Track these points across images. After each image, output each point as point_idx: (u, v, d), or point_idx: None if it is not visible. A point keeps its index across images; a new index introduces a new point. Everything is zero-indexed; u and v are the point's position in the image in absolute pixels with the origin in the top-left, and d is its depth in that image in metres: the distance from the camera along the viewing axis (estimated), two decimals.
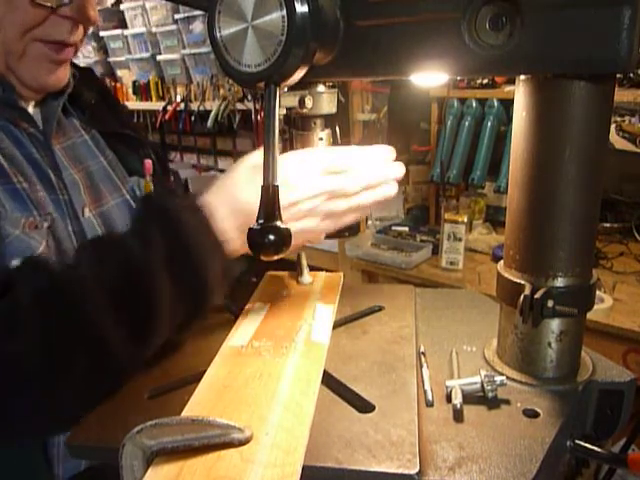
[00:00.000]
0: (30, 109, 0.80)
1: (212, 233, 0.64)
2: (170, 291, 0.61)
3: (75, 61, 0.84)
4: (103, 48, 3.20)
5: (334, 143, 0.76)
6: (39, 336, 0.55)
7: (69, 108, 0.87)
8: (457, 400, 0.59)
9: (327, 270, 0.92)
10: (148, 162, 0.92)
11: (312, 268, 0.88)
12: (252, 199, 0.64)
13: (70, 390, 0.57)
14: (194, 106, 2.79)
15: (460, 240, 1.87)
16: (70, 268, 0.60)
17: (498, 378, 0.60)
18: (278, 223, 0.56)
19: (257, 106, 2.52)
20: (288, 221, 0.60)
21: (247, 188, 0.66)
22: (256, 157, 0.69)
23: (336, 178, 0.68)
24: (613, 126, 1.79)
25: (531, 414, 0.58)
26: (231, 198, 0.66)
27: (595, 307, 0.65)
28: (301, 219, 0.68)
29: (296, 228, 0.63)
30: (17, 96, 0.77)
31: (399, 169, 0.72)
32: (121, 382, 0.61)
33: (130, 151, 0.93)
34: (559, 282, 0.61)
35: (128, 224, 0.66)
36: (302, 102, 0.67)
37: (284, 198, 0.58)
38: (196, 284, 0.63)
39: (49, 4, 0.69)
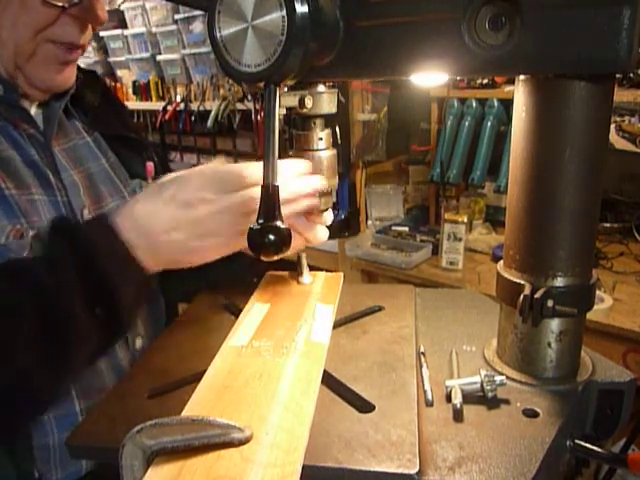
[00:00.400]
0: (32, 110, 0.80)
1: (120, 252, 0.63)
2: (83, 313, 0.60)
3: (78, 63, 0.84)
4: (103, 48, 3.19)
5: (334, 143, 0.76)
6: None
7: (72, 110, 0.87)
8: (457, 400, 0.59)
9: (327, 270, 0.92)
10: (150, 165, 0.92)
11: (312, 268, 0.88)
12: (148, 217, 0.64)
13: None
14: (194, 106, 2.78)
15: (460, 240, 1.87)
16: None
17: (498, 378, 0.60)
18: (278, 223, 0.56)
19: (257, 106, 2.52)
20: (194, 238, 0.63)
21: (144, 207, 0.65)
22: (169, 176, 0.68)
23: (247, 192, 0.64)
24: (613, 126, 1.79)
25: (531, 414, 0.59)
26: (130, 218, 0.65)
27: (595, 307, 0.65)
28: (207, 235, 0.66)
29: (207, 243, 0.64)
30: (21, 96, 0.77)
31: (316, 181, 0.70)
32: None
33: (133, 154, 0.93)
34: (559, 282, 0.61)
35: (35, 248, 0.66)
36: (302, 102, 0.67)
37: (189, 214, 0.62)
38: (108, 304, 0.62)
39: (60, 3, 0.70)
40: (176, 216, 0.64)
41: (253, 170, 0.65)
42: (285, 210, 0.63)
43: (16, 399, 0.58)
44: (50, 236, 0.64)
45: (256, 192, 0.59)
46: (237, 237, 0.65)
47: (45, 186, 0.76)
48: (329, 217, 0.75)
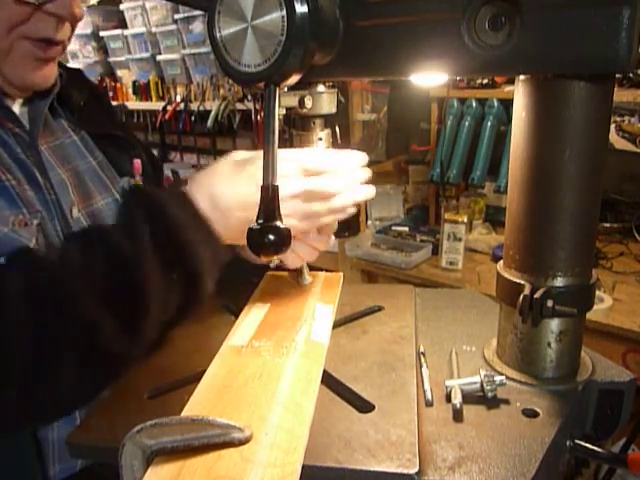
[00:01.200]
0: (17, 109, 0.80)
1: (197, 218, 0.65)
2: (159, 280, 0.61)
3: (75, 64, 0.83)
4: (103, 48, 3.19)
5: (334, 143, 0.76)
6: (30, 330, 0.55)
7: (58, 109, 0.87)
8: (457, 400, 0.59)
9: (327, 270, 0.92)
10: (137, 162, 0.92)
11: (312, 268, 0.88)
12: (227, 193, 0.66)
13: (62, 383, 0.57)
14: (194, 106, 2.79)
15: (460, 240, 1.87)
16: (58, 262, 0.60)
17: (498, 378, 0.60)
18: (278, 223, 0.56)
19: (257, 106, 2.52)
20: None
21: (223, 182, 0.67)
22: (240, 154, 0.70)
23: (314, 179, 0.68)
24: (613, 126, 1.79)
25: (531, 414, 0.59)
26: (207, 190, 0.67)
27: (595, 307, 0.65)
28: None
29: None
30: (2, 95, 0.76)
31: (368, 173, 0.74)
32: (117, 374, 0.61)
33: (120, 152, 0.93)
34: (559, 282, 0.61)
35: (115, 216, 0.66)
36: (302, 102, 0.67)
37: None
38: (186, 270, 0.63)
39: (32, 1, 0.69)
40: (253, 195, 0.63)
41: (332, 159, 0.70)
42: (346, 198, 0.71)
43: (90, 367, 0.59)
44: (126, 205, 0.66)
45: (331, 180, 0.68)
46: (306, 220, 0.69)
47: (33, 184, 0.76)
48: (336, 225, 0.78)
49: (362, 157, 0.74)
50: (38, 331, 0.56)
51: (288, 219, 0.67)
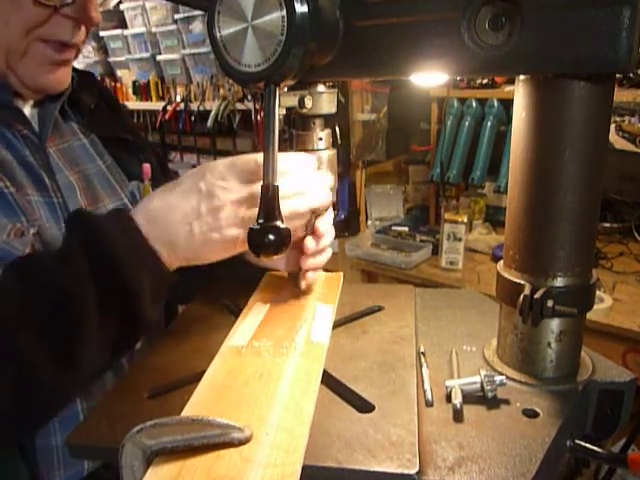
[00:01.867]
0: (27, 110, 0.80)
1: (137, 242, 0.61)
2: (97, 309, 0.59)
3: (75, 64, 0.83)
4: (103, 48, 3.20)
5: (334, 143, 0.76)
6: None
7: (68, 111, 0.87)
8: (457, 400, 0.59)
9: (327, 270, 0.91)
10: (146, 166, 0.92)
11: None
12: (162, 204, 0.63)
13: None
14: (194, 106, 2.79)
15: (460, 240, 1.87)
16: None
17: (498, 378, 0.60)
18: (278, 223, 0.56)
19: (257, 106, 2.52)
20: (215, 230, 0.62)
21: (158, 194, 0.65)
22: (188, 172, 0.67)
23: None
24: (613, 126, 1.79)
25: (531, 414, 0.59)
26: (143, 205, 0.65)
27: (595, 307, 0.65)
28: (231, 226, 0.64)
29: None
30: (14, 96, 0.77)
31: (330, 177, 0.70)
32: (59, 404, 0.59)
33: (130, 156, 0.93)
34: (559, 282, 0.61)
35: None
36: (302, 102, 0.67)
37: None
38: (124, 294, 0.60)
39: (52, 3, 0.70)
40: (197, 205, 0.62)
41: (281, 160, 0.62)
42: (301, 202, 0.66)
43: (26, 397, 0.57)
44: (65, 230, 0.63)
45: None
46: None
47: (40, 187, 0.76)
48: (332, 233, 0.78)
49: (311, 160, 0.69)
50: None
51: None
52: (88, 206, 0.82)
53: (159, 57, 2.88)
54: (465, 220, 1.88)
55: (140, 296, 0.61)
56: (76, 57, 0.80)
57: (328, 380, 0.63)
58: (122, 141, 0.93)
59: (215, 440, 0.50)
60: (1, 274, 0.60)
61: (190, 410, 0.56)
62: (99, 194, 0.85)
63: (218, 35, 0.57)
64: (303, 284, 0.80)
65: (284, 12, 0.53)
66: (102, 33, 3.08)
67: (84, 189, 0.82)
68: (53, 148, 0.81)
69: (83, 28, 0.76)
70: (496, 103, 2.02)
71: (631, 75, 1.71)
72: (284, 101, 0.66)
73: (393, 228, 2.25)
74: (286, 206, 0.60)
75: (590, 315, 0.64)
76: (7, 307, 0.57)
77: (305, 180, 0.67)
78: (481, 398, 0.60)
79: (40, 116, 0.81)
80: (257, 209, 0.58)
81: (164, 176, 0.99)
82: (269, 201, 0.56)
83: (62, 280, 0.58)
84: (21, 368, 0.56)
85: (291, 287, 0.85)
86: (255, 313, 0.77)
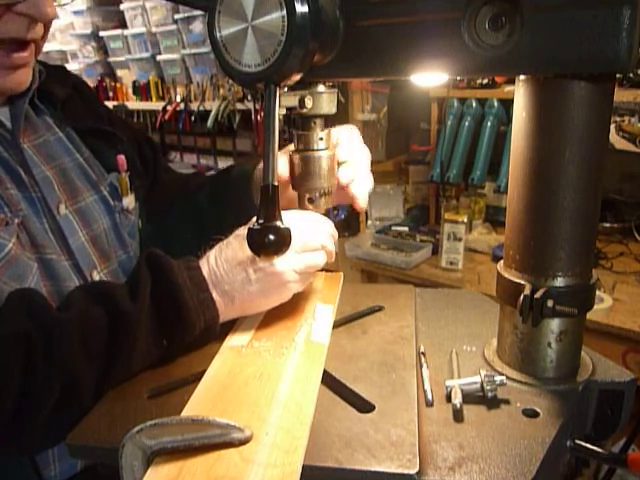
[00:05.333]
0: None
1: (195, 280, 0.69)
2: (149, 339, 0.66)
3: (75, 64, 0.82)
4: (103, 48, 3.19)
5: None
6: (20, 371, 0.59)
7: (40, 106, 0.86)
8: (457, 400, 0.59)
9: (327, 270, 0.91)
10: (121, 158, 0.91)
11: None
12: (219, 255, 0.71)
13: (39, 419, 0.60)
14: (194, 106, 2.79)
15: (460, 240, 1.87)
16: (59, 310, 0.65)
17: (498, 378, 0.60)
18: (278, 223, 0.56)
19: (257, 106, 2.52)
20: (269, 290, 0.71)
21: (217, 248, 0.73)
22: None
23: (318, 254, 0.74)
24: (613, 126, 1.79)
25: (531, 414, 0.59)
26: (206, 259, 0.72)
27: (595, 307, 0.65)
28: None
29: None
30: None
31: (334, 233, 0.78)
32: (82, 414, 0.62)
33: (108, 148, 0.92)
34: (559, 282, 0.61)
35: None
36: (302, 102, 0.67)
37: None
38: (176, 333, 0.68)
39: (2, 1, 0.68)
40: (255, 270, 0.70)
41: (326, 235, 0.74)
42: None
43: (64, 414, 0.62)
44: (137, 266, 0.71)
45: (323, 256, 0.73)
46: (301, 286, 0.74)
47: (18, 182, 0.76)
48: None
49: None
50: (29, 373, 0.59)
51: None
52: (67, 200, 0.82)
53: (159, 57, 2.88)
54: (465, 220, 1.88)
55: (188, 338, 0.69)
56: (37, 55, 0.78)
57: (328, 380, 0.63)
58: (99, 132, 0.92)
59: (215, 440, 0.50)
60: (71, 293, 0.68)
61: (190, 410, 0.56)
62: (77, 187, 0.85)
63: (218, 35, 0.57)
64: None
65: (284, 12, 0.53)
66: (102, 33, 3.08)
67: (62, 183, 0.82)
68: (28, 144, 0.80)
69: (40, 24, 0.74)
70: (496, 103, 2.02)
71: (631, 75, 1.71)
72: (284, 101, 0.66)
73: (393, 228, 2.25)
74: (302, 260, 0.71)
75: (590, 315, 0.64)
76: (70, 326, 0.62)
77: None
78: (481, 398, 0.60)
79: (12, 112, 0.80)
80: (308, 270, 0.72)
81: (155, 157, 1.05)
82: (269, 201, 0.56)
83: (126, 307, 0.64)
84: (69, 381, 0.61)
85: None
86: (255, 313, 0.77)
